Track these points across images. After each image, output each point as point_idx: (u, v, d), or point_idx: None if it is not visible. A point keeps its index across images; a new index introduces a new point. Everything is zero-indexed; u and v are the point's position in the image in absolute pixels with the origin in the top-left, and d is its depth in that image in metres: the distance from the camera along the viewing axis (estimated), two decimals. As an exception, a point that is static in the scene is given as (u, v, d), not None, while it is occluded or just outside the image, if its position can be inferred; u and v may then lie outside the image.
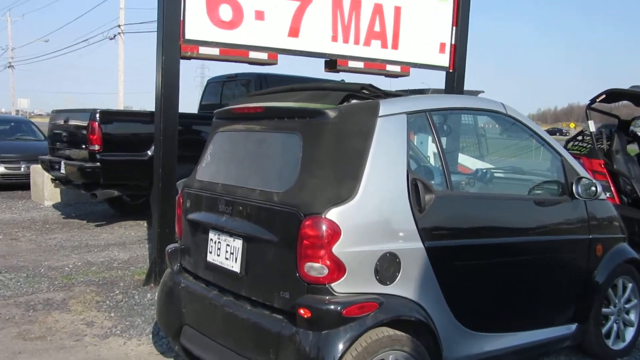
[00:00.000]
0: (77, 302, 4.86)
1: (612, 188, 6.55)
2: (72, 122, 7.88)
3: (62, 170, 7.82)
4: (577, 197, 3.51)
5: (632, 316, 3.99)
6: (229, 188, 3.12)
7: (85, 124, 7.40)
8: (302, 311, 2.57)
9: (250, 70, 7.84)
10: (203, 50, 5.18)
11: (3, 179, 11.15)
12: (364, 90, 3.07)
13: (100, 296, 5.02)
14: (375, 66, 6.19)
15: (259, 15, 5.40)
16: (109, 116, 7.51)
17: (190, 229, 3.39)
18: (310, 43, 5.70)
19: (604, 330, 3.85)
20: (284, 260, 2.71)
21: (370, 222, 2.70)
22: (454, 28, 6.62)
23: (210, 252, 3.16)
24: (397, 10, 6.20)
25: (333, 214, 2.60)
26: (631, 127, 7.42)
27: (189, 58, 5.21)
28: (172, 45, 5.01)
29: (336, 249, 2.59)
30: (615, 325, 3.91)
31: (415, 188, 2.84)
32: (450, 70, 6.69)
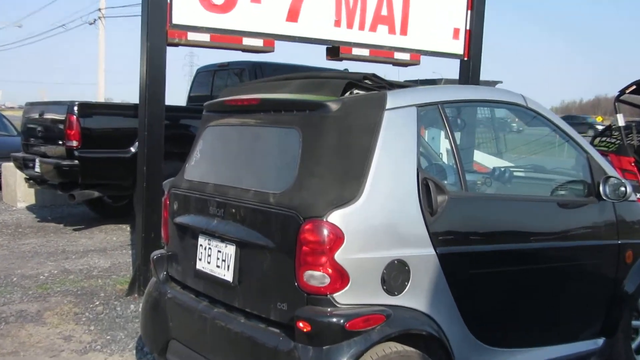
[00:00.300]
0: (53, 314, 4.86)
1: None
2: (48, 116, 7.88)
3: (37, 169, 7.83)
4: (604, 198, 3.51)
5: (666, 330, 3.99)
6: (220, 188, 3.12)
7: (62, 117, 7.41)
8: (301, 324, 2.57)
9: (244, 58, 7.84)
10: (192, 36, 5.18)
11: (-29, 178, 11.16)
12: (366, 80, 3.07)
13: (79, 307, 5.03)
14: (382, 54, 6.20)
15: (254, -2, 5.40)
16: (88, 109, 7.51)
17: (178, 234, 3.39)
18: (311, 28, 5.70)
19: (634, 345, 3.84)
20: (281, 268, 2.70)
21: (377, 226, 2.70)
22: (469, 12, 6.62)
23: (200, 259, 3.16)
24: (406, -8, 6.21)
25: (335, 217, 2.60)
26: None
27: (176, 45, 5.21)
28: (158, 30, 5.01)
29: (339, 255, 2.59)
30: (646, 339, 3.90)
31: (426, 188, 2.84)
32: (465, 59, 6.69)
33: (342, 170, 2.72)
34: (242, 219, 2.92)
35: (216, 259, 3.05)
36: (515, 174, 4.05)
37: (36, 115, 8.12)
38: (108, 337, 4.42)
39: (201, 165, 3.41)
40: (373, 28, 6.05)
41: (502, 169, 3.93)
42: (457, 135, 3.49)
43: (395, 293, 2.72)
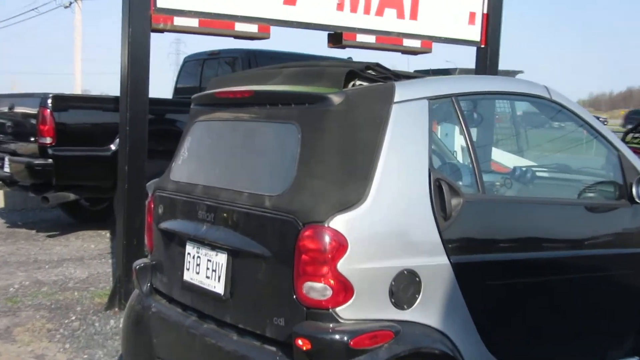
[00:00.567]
0: (24, 331, 4.86)
1: None
2: (19, 110, 7.89)
3: (6, 169, 7.83)
4: (638, 201, 3.51)
5: None
6: (210, 190, 3.12)
7: (34, 111, 7.41)
8: (300, 342, 2.57)
9: (237, 46, 7.85)
10: (179, 21, 5.18)
11: None
12: (369, 70, 3.07)
13: (53, 323, 5.03)
14: (389, 40, 6.20)
15: (248, -21, 5.41)
16: (63, 102, 7.51)
17: (163, 241, 3.40)
18: (311, 12, 5.71)
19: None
20: (278, 279, 2.70)
21: (384, 233, 2.70)
22: (487, -6, 6.62)
23: (188, 270, 3.17)
24: (417, -28, 6.21)
25: (338, 222, 2.60)
26: None
27: (161, 31, 5.21)
28: (141, 15, 5.02)
29: (342, 265, 2.59)
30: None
31: (439, 190, 2.84)
32: (482, 46, 6.70)
33: (345, 170, 2.73)
34: (234, 225, 2.93)
35: (206, 269, 3.05)
36: (538, 174, 4.05)
37: (5, 109, 8.12)
38: (85, 357, 4.42)
39: (189, 165, 3.42)
40: (380, 12, 6.05)
41: (524, 169, 3.93)
42: (473, 131, 3.49)
43: (405, 307, 2.72)
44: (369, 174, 2.71)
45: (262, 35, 5.60)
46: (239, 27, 5.46)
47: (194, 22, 5.25)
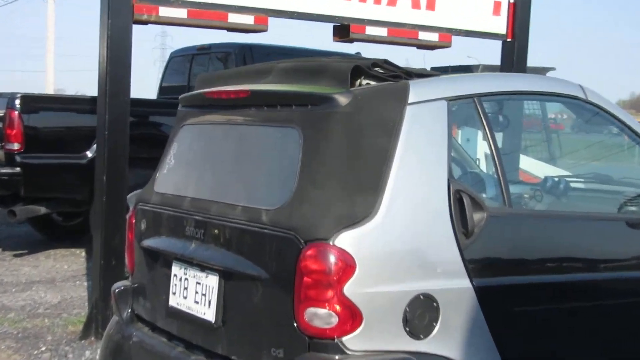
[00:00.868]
0: (-13, 363, 4.87)
1: None
2: (-17, 112, 7.91)
3: (-31, 179, 7.84)
4: (687, 216, 3.50)
5: None
6: (200, 203, 3.13)
7: (0, 114, 7.43)
8: (301, 376, 2.57)
9: (230, 39, 7.88)
10: (165, 11, 5.20)
11: None
12: (376, 68, 3.08)
13: (20, 354, 5.02)
14: (403, 33, 6.21)
15: (242, -36, 5.43)
16: (33, 103, 7.54)
17: (146, 261, 3.40)
18: (314, 2, 5.73)
19: None
20: (277, 304, 2.71)
21: (397, 252, 2.70)
22: (513, -20, 6.65)
23: (174, 294, 3.17)
24: (434, -44, 6.24)
25: (345, 240, 2.60)
26: None
27: (145, 22, 5.23)
28: (122, 5, 5.04)
29: (349, 288, 2.59)
30: None
31: (460, 204, 2.84)
32: (508, 40, 6.70)
33: (353, 180, 2.73)
34: (227, 243, 2.93)
35: (194, 293, 3.05)
36: (572, 185, 4.06)
37: (-31, 111, 8.16)
38: (57, 392, 4.41)
39: (176, 175, 3.43)
40: (392, 1, 6.07)
41: (556, 179, 3.94)
42: (499, 136, 3.50)
43: (421, 336, 2.72)
44: (380, 185, 2.71)
45: (259, 28, 5.61)
46: (233, 18, 5.47)
47: (182, 13, 5.27)
